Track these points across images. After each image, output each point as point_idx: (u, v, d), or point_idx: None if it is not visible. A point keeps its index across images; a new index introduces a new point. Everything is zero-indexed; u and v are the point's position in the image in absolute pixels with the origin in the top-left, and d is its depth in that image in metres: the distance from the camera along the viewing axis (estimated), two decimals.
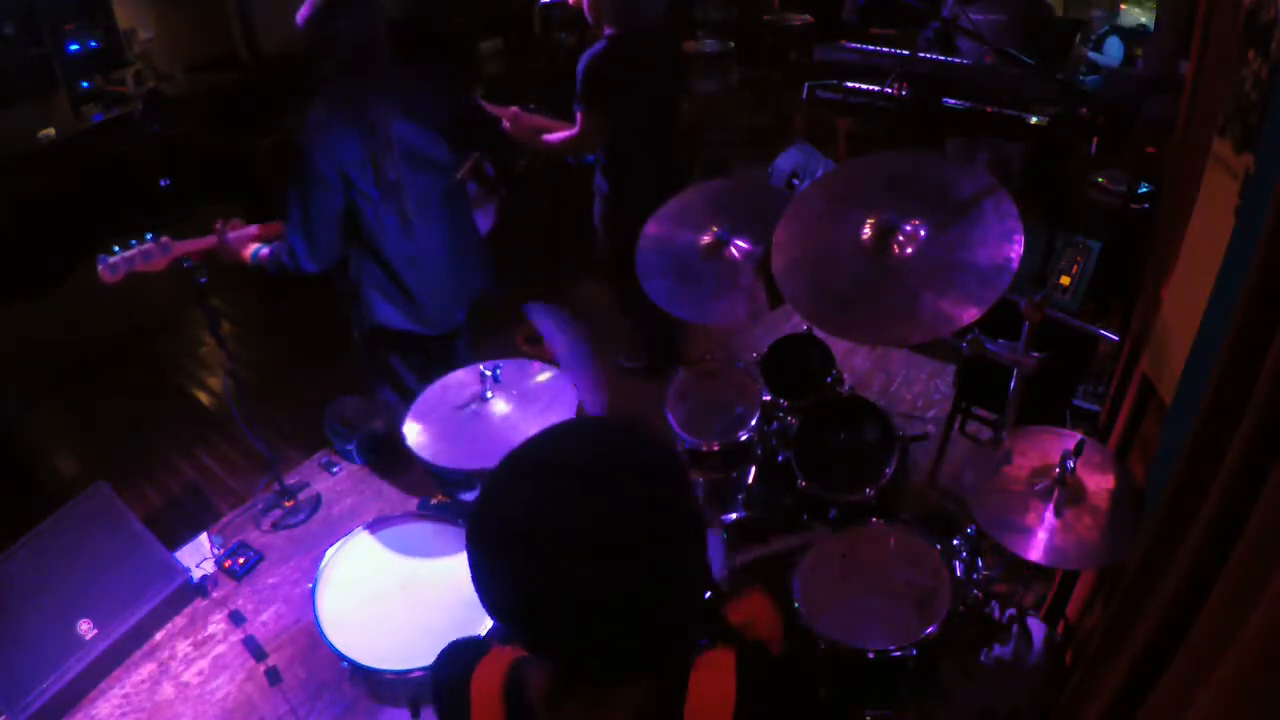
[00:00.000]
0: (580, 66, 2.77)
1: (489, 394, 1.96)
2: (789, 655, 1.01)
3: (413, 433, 1.93)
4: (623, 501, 0.73)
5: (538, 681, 0.84)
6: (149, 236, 2.31)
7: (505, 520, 0.74)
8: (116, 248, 2.28)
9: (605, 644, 0.76)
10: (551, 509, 0.72)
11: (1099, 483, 1.61)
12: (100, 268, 2.25)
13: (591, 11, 2.84)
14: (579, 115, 2.83)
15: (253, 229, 2.46)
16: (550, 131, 2.96)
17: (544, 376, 2.05)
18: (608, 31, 2.82)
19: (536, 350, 3.75)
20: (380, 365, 2.62)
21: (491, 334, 3.47)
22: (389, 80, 2.24)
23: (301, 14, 2.14)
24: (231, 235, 2.40)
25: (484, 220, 2.80)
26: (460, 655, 0.96)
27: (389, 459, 3.20)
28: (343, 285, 2.48)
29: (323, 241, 2.27)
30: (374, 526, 2.03)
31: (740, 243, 2.01)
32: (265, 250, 2.36)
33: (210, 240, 2.40)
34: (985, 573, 1.90)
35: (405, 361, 2.59)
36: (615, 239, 2.94)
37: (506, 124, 2.85)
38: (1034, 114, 3.51)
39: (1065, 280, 2.81)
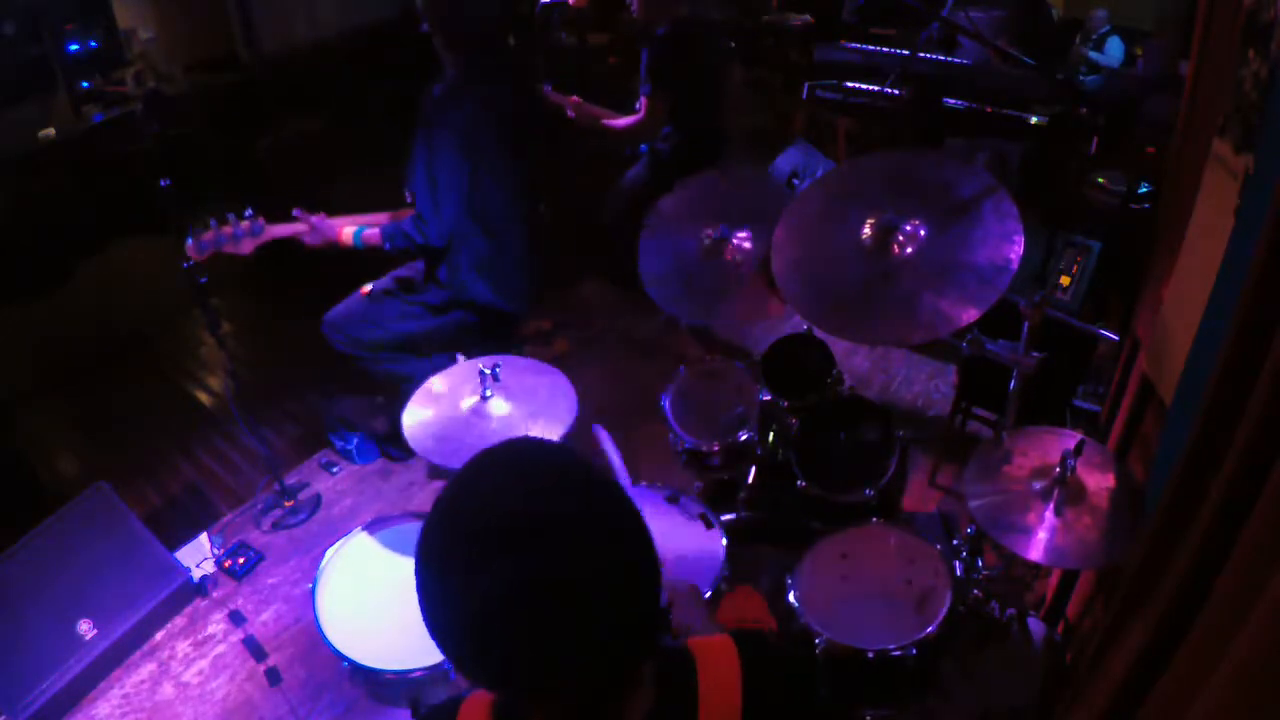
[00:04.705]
0: (645, 54, 2.95)
1: (489, 393, 1.96)
2: (785, 640, 1.04)
3: (412, 432, 1.93)
4: (580, 548, 0.72)
5: (527, 712, 0.83)
6: (248, 213, 2.28)
7: (461, 591, 0.74)
8: (213, 220, 2.26)
9: (590, 676, 0.76)
10: (511, 568, 0.71)
11: (1099, 483, 1.61)
12: (189, 244, 2.23)
13: (640, 9, 3.02)
14: (644, 99, 3.01)
15: (348, 218, 2.50)
16: (610, 119, 3.14)
17: (543, 375, 2.05)
18: (660, 30, 2.98)
19: (537, 350, 3.75)
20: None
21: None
22: (505, 63, 2.34)
23: None
24: (324, 221, 2.43)
25: None
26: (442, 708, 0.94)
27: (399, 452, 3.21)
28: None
29: (447, 214, 2.31)
30: (374, 526, 2.03)
31: (740, 243, 2.01)
32: (373, 230, 2.38)
33: (301, 226, 2.41)
34: (985, 573, 1.90)
35: (473, 334, 2.68)
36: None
37: (570, 112, 3.00)
38: (1034, 114, 3.51)
39: (1065, 280, 2.81)
